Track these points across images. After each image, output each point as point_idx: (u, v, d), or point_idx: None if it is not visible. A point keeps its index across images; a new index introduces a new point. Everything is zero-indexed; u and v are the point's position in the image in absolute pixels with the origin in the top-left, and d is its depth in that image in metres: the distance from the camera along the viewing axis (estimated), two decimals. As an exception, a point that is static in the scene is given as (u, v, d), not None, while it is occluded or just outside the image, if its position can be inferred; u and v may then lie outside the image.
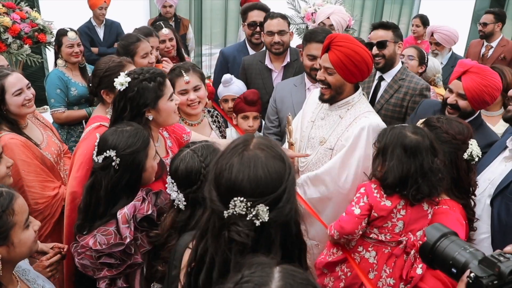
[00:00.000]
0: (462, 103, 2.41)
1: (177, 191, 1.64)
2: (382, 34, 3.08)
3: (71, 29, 3.60)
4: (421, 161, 1.82)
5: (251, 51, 3.81)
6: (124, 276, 1.82)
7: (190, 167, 1.63)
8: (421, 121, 2.16)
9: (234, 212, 1.07)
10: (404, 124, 1.95)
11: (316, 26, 4.08)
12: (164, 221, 1.70)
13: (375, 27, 3.17)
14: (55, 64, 3.68)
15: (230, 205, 1.08)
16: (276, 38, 3.33)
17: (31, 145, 2.35)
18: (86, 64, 3.79)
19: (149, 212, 1.76)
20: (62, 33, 3.58)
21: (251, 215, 1.06)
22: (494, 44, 5.17)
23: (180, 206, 1.65)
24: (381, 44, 3.06)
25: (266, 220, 1.07)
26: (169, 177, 1.69)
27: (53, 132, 2.68)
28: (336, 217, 2.40)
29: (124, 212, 1.75)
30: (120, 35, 5.50)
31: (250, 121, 3.13)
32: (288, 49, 3.50)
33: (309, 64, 2.98)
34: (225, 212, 1.09)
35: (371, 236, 1.96)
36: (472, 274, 1.18)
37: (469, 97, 2.37)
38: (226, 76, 3.33)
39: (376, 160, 1.95)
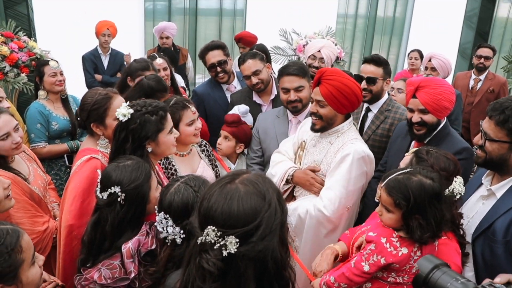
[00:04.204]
0: (426, 117, 2.51)
1: (172, 226, 1.64)
2: (373, 70, 3.15)
3: (52, 59, 3.61)
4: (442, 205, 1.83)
5: (224, 86, 3.84)
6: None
7: (186, 199, 1.66)
8: (412, 151, 2.20)
9: (206, 240, 1.11)
10: (399, 172, 1.89)
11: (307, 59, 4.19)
12: (161, 260, 1.68)
13: (367, 60, 3.23)
14: (36, 96, 3.62)
15: (203, 232, 1.12)
16: (254, 80, 3.35)
17: (20, 181, 2.29)
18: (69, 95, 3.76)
19: (153, 247, 1.76)
20: (43, 63, 3.58)
21: (219, 245, 1.10)
22: (482, 77, 5.34)
23: (177, 241, 1.64)
24: (371, 81, 3.13)
25: (233, 252, 1.10)
26: (161, 214, 1.66)
27: (37, 164, 2.63)
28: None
29: (128, 247, 1.75)
30: (124, 66, 5.55)
31: (220, 138, 3.18)
32: (274, 82, 3.51)
33: (284, 98, 3.00)
34: (199, 238, 1.13)
35: (388, 280, 1.93)
36: (464, 306, 1.20)
37: (430, 110, 2.49)
38: (246, 108, 3.33)
39: (412, 220, 1.83)
